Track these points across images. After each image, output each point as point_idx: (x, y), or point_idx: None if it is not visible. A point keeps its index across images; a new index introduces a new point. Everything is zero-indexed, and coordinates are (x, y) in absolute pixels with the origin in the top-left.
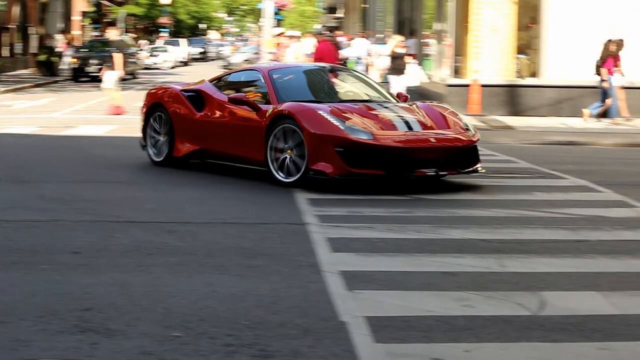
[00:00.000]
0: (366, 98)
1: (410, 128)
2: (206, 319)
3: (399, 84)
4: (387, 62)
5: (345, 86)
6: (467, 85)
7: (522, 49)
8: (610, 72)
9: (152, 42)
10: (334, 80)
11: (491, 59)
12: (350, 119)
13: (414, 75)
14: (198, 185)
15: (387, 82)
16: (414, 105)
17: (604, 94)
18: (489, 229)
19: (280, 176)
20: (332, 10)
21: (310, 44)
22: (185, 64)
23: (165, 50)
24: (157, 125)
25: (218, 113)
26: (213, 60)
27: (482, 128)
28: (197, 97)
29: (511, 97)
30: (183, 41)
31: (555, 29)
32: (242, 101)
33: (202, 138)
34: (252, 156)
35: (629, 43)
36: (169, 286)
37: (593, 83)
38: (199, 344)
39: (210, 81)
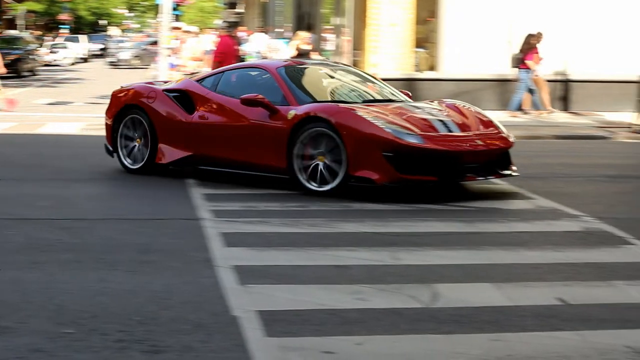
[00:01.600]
0: (389, 97)
1: (449, 129)
2: (98, 315)
3: None
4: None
5: (359, 84)
6: None
7: (420, 43)
8: (526, 66)
9: (53, 38)
10: (344, 78)
11: (390, 53)
12: (393, 121)
13: None
14: (94, 181)
15: None
16: (443, 104)
17: (526, 87)
18: (383, 222)
19: (312, 185)
20: (232, 5)
21: (208, 40)
22: (85, 60)
23: (65, 47)
24: (130, 129)
25: (219, 116)
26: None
27: None
28: (183, 98)
29: (410, 91)
30: (83, 38)
31: (453, 23)
32: (256, 102)
33: (196, 143)
34: (270, 163)
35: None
36: (62, 283)
37: (493, 76)
38: (90, 340)
39: (197, 80)
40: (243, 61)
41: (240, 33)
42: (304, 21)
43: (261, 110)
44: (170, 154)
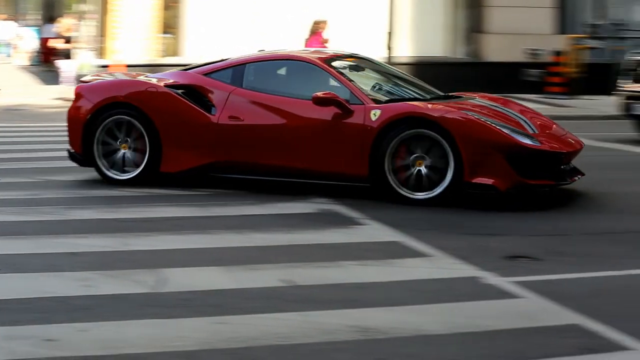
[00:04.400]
0: (436, 92)
1: (533, 129)
2: None
3: (69, 69)
4: (34, 45)
5: (400, 79)
6: (107, 66)
7: (166, 28)
8: None
9: None
10: (381, 71)
11: (135, 39)
12: (502, 121)
13: (82, 60)
14: None
15: (50, 68)
16: (487, 99)
17: None
18: (115, 209)
19: (409, 193)
20: None
21: None
22: None
23: None
24: (113, 133)
25: (261, 116)
26: None
27: None
28: (190, 96)
29: None
30: None
31: (196, 8)
32: (331, 101)
33: (225, 149)
34: (346, 170)
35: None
36: None
37: None
38: None
39: (204, 74)
40: None
41: None
42: (54, 9)
43: (329, 109)
44: (182, 161)
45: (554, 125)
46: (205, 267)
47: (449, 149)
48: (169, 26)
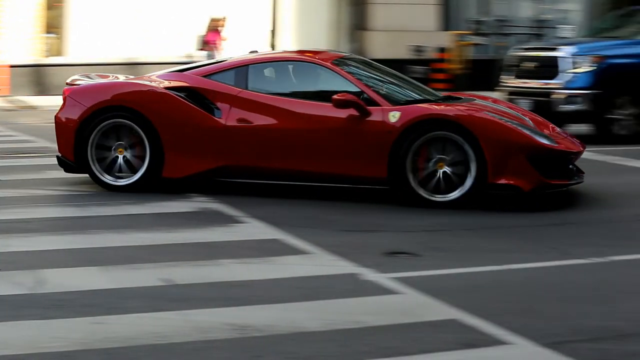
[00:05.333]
0: (433, 92)
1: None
2: None
3: None
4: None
5: (403, 78)
6: None
7: (49, 28)
8: (216, 47)
9: None
10: (382, 71)
11: (18, 39)
12: (519, 122)
13: None
14: None
15: None
16: (489, 100)
17: None
18: None
19: (430, 196)
20: None
21: None
22: None
23: None
24: (108, 137)
25: (272, 119)
26: None
27: (9, 109)
28: (192, 98)
29: (39, 77)
30: None
31: (81, 7)
32: (351, 103)
33: (234, 153)
34: (364, 173)
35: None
36: None
37: (123, 60)
38: None
39: (204, 75)
40: None
41: None
42: None
43: (344, 112)
44: (187, 166)
45: (551, 125)
46: (84, 268)
47: (471, 151)
48: (53, 26)
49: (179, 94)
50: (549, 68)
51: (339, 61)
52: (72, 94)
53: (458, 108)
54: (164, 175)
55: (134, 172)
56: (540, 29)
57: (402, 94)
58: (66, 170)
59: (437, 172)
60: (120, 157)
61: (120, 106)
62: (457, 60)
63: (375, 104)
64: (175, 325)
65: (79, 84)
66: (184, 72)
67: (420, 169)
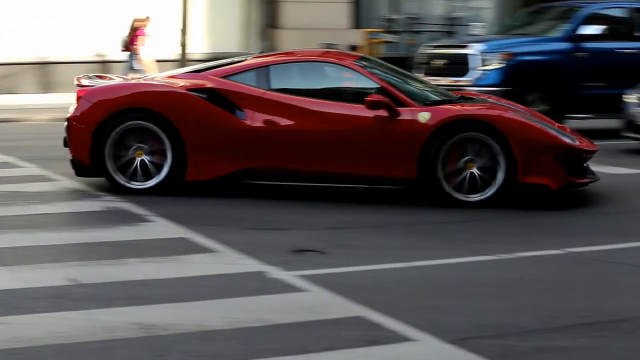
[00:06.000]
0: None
1: None
2: None
3: None
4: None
5: (416, 78)
6: None
7: None
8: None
9: None
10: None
11: None
12: (543, 121)
13: None
14: None
15: None
16: (494, 99)
17: (132, 68)
18: None
19: (461, 196)
20: None
21: None
22: None
23: None
24: (126, 140)
25: (299, 120)
26: None
27: None
28: (214, 99)
29: None
30: None
31: (6, 7)
32: (383, 104)
33: (260, 154)
34: (393, 174)
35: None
36: None
37: (33, 59)
38: None
39: (223, 76)
40: None
41: None
42: None
43: (373, 112)
44: (211, 169)
45: (557, 124)
46: None
47: (500, 151)
48: None
49: (201, 95)
50: (458, 65)
51: (359, 61)
52: (87, 95)
53: (487, 109)
54: (188, 178)
55: (149, 176)
56: (451, 27)
57: (423, 94)
58: (78, 174)
59: (467, 172)
60: (138, 160)
61: (141, 108)
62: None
63: (403, 104)
64: (80, 324)
65: (92, 85)
66: (201, 73)
67: (450, 170)
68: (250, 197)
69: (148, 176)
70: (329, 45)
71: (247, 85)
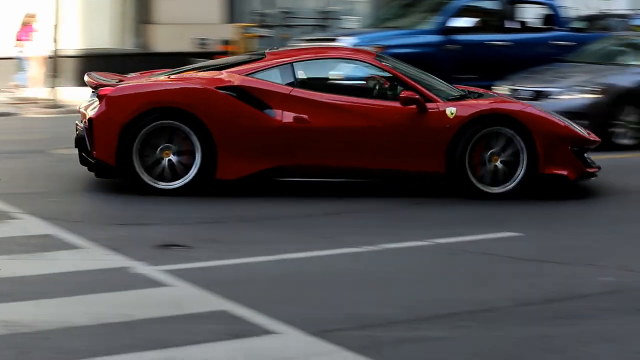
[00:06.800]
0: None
1: None
2: None
3: None
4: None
5: (427, 74)
6: None
7: None
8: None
9: None
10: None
11: None
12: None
13: None
14: None
15: None
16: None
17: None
18: None
19: (487, 188)
20: None
21: None
22: None
23: None
24: (157, 139)
25: (329, 117)
26: None
27: None
28: (242, 96)
29: None
30: None
31: None
32: (414, 100)
33: (291, 152)
34: (423, 168)
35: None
36: None
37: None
38: None
39: (247, 74)
40: None
41: None
42: None
43: (402, 108)
44: (242, 167)
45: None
46: None
47: (523, 144)
48: None
49: (230, 93)
50: None
51: (379, 58)
52: (112, 95)
53: (508, 103)
54: (218, 177)
55: (176, 176)
56: (325, 21)
57: (444, 91)
58: (99, 175)
59: (491, 165)
60: (166, 160)
61: (169, 107)
62: (242, 53)
63: (429, 100)
64: None
65: (115, 84)
66: (224, 71)
67: (476, 164)
68: (117, 193)
69: (176, 176)
70: (202, 40)
71: (273, 82)
